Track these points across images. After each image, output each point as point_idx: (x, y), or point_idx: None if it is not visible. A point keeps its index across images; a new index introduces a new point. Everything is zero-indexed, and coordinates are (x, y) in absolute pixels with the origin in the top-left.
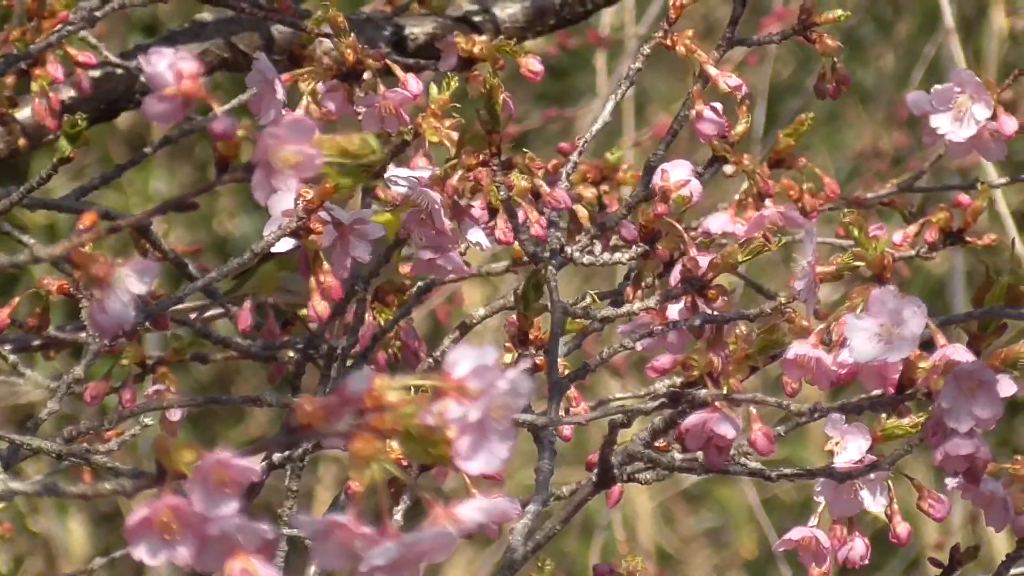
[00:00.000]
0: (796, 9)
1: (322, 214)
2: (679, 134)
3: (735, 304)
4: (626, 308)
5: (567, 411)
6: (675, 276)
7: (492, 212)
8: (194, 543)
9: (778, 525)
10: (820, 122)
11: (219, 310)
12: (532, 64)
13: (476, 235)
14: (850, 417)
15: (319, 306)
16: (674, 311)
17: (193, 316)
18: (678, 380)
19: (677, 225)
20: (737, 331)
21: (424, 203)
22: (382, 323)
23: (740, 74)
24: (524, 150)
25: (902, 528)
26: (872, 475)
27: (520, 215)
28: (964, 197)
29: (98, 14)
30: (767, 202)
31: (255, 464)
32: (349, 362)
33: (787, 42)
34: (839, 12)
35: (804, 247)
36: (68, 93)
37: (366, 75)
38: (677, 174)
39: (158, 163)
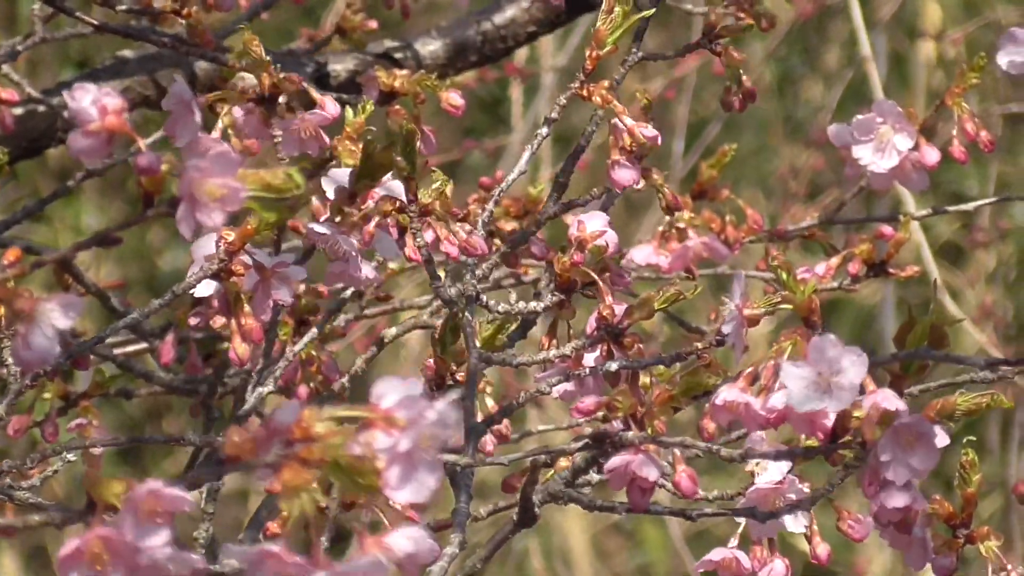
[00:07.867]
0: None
1: (244, 256)
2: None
3: (661, 341)
4: (542, 355)
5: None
6: (591, 324)
7: (401, 231)
8: (125, 573)
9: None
10: (749, 154)
11: (143, 344)
12: (453, 98)
13: (387, 247)
14: (770, 437)
15: (240, 348)
16: (590, 358)
17: (116, 351)
18: (602, 425)
19: (593, 274)
20: (652, 376)
21: (340, 248)
22: (303, 356)
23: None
24: (441, 177)
25: (822, 549)
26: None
27: (430, 235)
28: (887, 228)
29: (20, 48)
30: (690, 233)
31: (185, 494)
32: (265, 388)
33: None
34: (746, 22)
35: (732, 291)
36: None
37: (282, 99)
38: (593, 224)
39: (88, 198)
